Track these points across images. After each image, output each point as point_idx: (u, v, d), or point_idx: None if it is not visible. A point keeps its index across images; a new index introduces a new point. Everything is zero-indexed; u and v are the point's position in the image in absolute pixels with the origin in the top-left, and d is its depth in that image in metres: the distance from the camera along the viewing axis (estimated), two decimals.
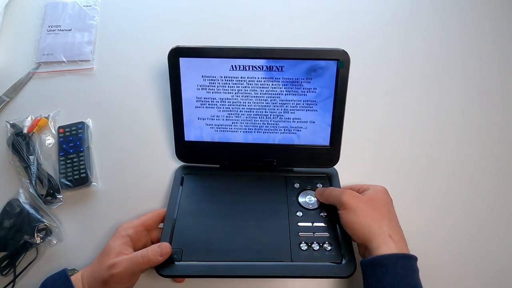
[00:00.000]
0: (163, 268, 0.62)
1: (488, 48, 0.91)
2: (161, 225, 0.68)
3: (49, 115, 0.83)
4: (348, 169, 0.75)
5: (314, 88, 0.68)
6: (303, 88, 0.68)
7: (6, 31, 0.95)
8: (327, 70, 0.67)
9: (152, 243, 0.68)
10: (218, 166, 0.76)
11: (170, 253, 0.62)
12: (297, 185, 0.72)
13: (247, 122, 0.72)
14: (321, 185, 0.72)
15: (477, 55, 0.90)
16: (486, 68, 0.88)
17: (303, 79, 0.67)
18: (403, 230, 0.63)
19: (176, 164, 0.77)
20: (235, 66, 0.67)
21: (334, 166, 0.75)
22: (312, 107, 0.69)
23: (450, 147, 0.79)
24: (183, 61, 0.68)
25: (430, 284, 0.66)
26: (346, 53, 0.66)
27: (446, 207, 0.73)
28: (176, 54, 0.68)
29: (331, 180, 0.73)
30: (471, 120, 0.82)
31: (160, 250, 0.61)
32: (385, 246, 0.58)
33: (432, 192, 0.75)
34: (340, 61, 0.66)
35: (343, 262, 0.62)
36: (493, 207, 0.74)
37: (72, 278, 0.61)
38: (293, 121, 0.71)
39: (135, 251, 0.63)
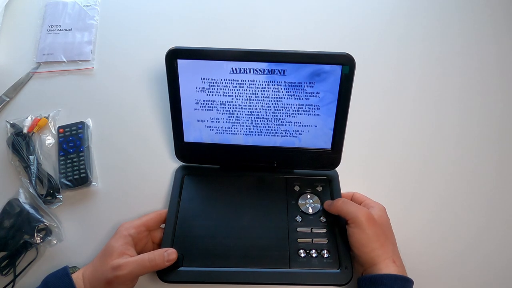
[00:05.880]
0: (166, 274, 0.63)
1: (487, 48, 0.92)
2: (162, 226, 0.69)
3: (49, 115, 0.83)
4: (349, 171, 0.75)
5: (317, 93, 0.67)
6: (306, 93, 0.67)
7: (6, 31, 0.95)
8: (331, 75, 0.65)
9: (153, 243, 0.68)
10: (218, 166, 0.77)
11: (176, 259, 0.63)
12: (297, 188, 0.72)
13: (247, 125, 0.71)
14: (321, 188, 0.72)
15: (476, 56, 0.90)
16: (486, 69, 0.89)
17: (306, 83, 0.66)
18: (403, 233, 0.65)
19: (176, 164, 0.78)
20: (236, 68, 0.66)
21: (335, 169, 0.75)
22: (314, 111, 0.69)
23: (452, 152, 0.80)
24: (181, 63, 0.67)
25: (429, 286, 0.67)
26: (352, 58, 0.64)
27: (446, 210, 0.74)
28: (174, 56, 0.67)
29: (331, 183, 0.73)
30: (473, 123, 0.83)
31: (167, 255, 0.62)
32: (387, 269, 0.59)
33: (433, 195, 0.76)
34: (345, 65, 0.64)
35: (340, 270, 0.63)
36: (494, 210, 0.74)
37: (73, 276, 0.61)
38: (294, 125, 0.71)
39: (136, 251, 0.64)
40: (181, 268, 0.64)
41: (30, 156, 0.77)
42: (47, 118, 0.82)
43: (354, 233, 0.62)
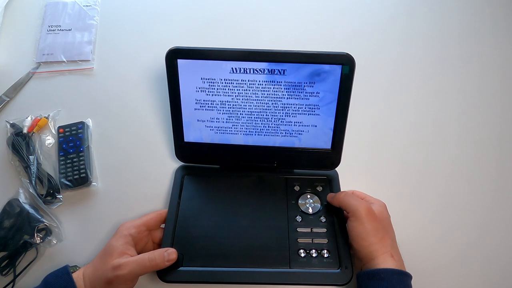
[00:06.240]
0: (166, 273, 0.64)
1: (487, 48, 0.92)
2: (162, 225, 0.69)
3: (49, 115, 0.83)
4: (349, 171, 0.75)
5: (317, 93, 0.67)
6: (306, 92, 0.67)
7: (6, 31, 0.95)
8: (331, 75, 0.65)
9: (153, 243, 0.69)
10: (218, 166, 0.77)
11: (176, 259, 0.63)
12: (297, 188, 0.72)
13: (247, 124, 0.71)
14: (321, 188, 0.73)
15: (476, 56, 0.90)
16: (486, 69, 0.89)
17: (306, 83, 0.66)
18: (403, 233, 0.66)
19: (176, 164, 0.78)
20: (236, 68, 0.66)
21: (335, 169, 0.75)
22: (314, 111, 0.69)
23: (452, 151, 0.80)
24: (181, 63, 0.67)
25: (429, 284, 0.67)
26: (352, 58, 0.64)
27: (446, 209, 0.74)
28: (174, 56, 0.67)
29: (331, 182, 0.73)
30: (474, 123, 0.83)
31: (167, 255, 0.62)
32: (385, 264, 0.59)
33: (433, 195, 0.76)
34: (345, 65, 0.64)
35: (340, 270, 0.63)
36: (494, 209, 0.74)
37: (74, 275, 0.61)
38: (294, 125, 0.71)
39: (136, 250, 0.64)
40: (181, 268, 0.64)
41: (30, 156, 0.77)
42: (47, 118, 0.82)
43: (354, 226, 0.62)
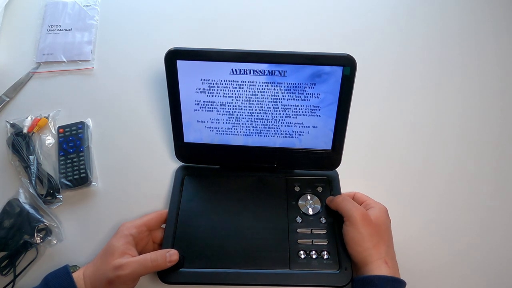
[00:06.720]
0: (167, 275, 0.64)
1: (487, 48, 0.92)
2: (162, 226, 0.69)
3: (49, 115, 0.83)
4: (349, 172, 0.75)
5: (317, 94, 0.67)
6: (306, 94, 0.67)
7: (6, 31, 0.95)
8: (332, 76, 0.65)
9: (154, 243, 0.69)
10: (218, 167, 0.77)
11: (178, 260, 0.63)
12: (297, 188, 0.72)
13: (247, 126, 0.71)
14: (322, 188, 0.73)
15: (477, 56, 0.91)
16: (486, 69, 0.89)
17: (307, 84, 0.66)
18: (404, 234, 0.66)
19: (176, 164, 0.78)
20: (236, 70, 0.66)
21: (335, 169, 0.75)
22: (315, 112, 0.69)
23: (451, 152, 0.80)
24: (180, 64, 0.67)
25: (429, 286, 0.68)
26: (353, 59, 0.63)
27: (447, 210, 0.74)
28: (173, 57, 0.66)
29: (331, 183, 0.73)
30: (474, 124, 0.83)
31: (169, 256, 0.62)
32: (378, 270, 0.60)
33: (433, 196, 0.76)
34: (346, 67, 0.64)
35: (340, 271, 0.63)
36: (494, 209, 0.74)
37: (74, 275, 0.61)
38: (294, 126, 0.70)
39: (137, 250, 0.64)
40: (182, 269, 0.64)
41: (30, 156, 0.77)
42: (47, 118, 0.82)
43: (348, 231, 0.63)
